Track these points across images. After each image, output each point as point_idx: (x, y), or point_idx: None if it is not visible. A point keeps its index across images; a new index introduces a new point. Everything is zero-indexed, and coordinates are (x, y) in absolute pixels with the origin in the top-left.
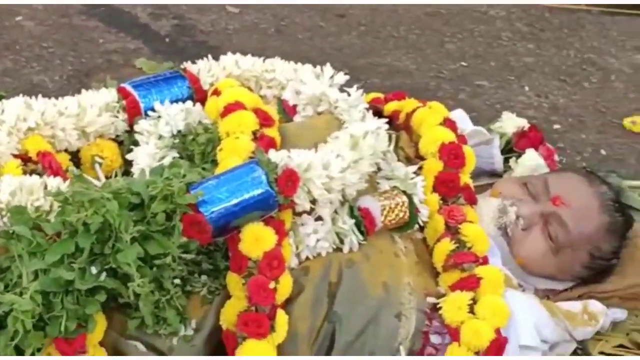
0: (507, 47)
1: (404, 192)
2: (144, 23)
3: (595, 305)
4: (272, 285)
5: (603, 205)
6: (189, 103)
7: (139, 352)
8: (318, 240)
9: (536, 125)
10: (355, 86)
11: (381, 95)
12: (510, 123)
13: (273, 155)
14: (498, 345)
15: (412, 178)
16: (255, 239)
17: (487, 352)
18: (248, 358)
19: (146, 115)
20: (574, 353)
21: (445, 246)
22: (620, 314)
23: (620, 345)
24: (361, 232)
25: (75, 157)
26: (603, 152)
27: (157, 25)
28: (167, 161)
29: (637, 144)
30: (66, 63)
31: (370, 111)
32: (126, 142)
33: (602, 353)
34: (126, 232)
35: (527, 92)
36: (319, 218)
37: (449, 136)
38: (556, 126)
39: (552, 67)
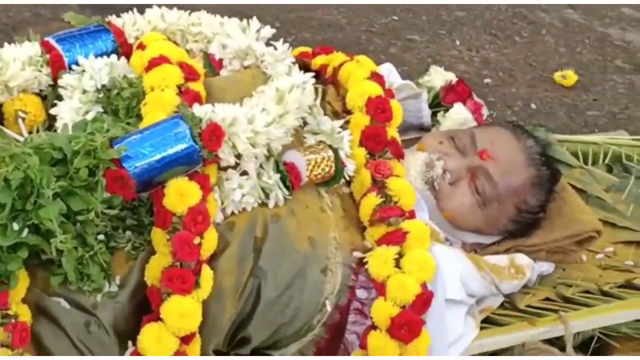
0: (438, 0)
1: (330, 147)
2: None
3: (522, 259)
4: (196, 240)
5: (530, 158)
6: (114, 57)
7: (62, 308)
8: (243, 195)
9: (466, 80)
10: (281, 40)
11: (309, 50)
12: (439, 77)
13: (197, 109)
14: (424, 299)
15: (339, 132)
16: (180, 194)
17: (413, 306)
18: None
19: (70, 69)
20: (501, 306)
21: (372, 200)
22: (547, 267)
23: (547, 299)
24: (287, 187)
25: None
26: (533, 105)
27: None
28: (91, 116)
29: (566, 98)
30: None
31: (297, 65)
32: (50, 96)
33: (529, 306)
34: (48, 188)
35: (458, 46)
36: (244, 173)
37: (376, 90)
38: (487, 80)
39: (484, 21)
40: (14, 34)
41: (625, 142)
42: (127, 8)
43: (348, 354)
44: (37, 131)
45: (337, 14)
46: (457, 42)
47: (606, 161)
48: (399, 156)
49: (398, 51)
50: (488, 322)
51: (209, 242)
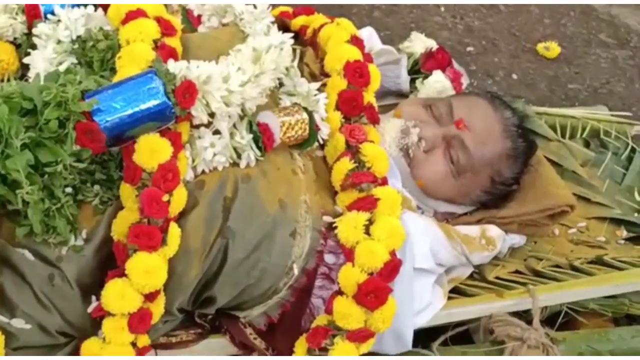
0: None
1: (305, 109)
2: None
3: (493, 231)
4: (165, 197)
5: (506, 130)
6: (91, 8)
7: (26, 260)
8: (215, 155)
9: (446, 47)
10: None
11: (290, 10)
12: (419, 43)
13: (172, 65)
14: (392, 266)
15: (315, 95)
16: (151, 150)
17: (381, 273)
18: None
19: (46, 18)
20: (470, 277)
21: (345, 165)
22: (519, 239)
23: (517, 271)
24: (259, 148)
25: None
26: (514, 76)
27: None
28: (64, 67)
29: (548, 70)
30: None
31: (276, 25)
32: (24, 45)
33: (498, 278)
34: (16, 138)
35: (442, 12)
36: (216, 132)
37: (354, 54)
38: (469, 48)
39: None
40: None
41: (604, 117)
42: None
43: (313, 317)
44: (9, 80)
45: None
46: (442, 9)
47: (584, 135)
48: (375, 122)
49: (381, 15)
50: (456, 292)
51: (178, 200)
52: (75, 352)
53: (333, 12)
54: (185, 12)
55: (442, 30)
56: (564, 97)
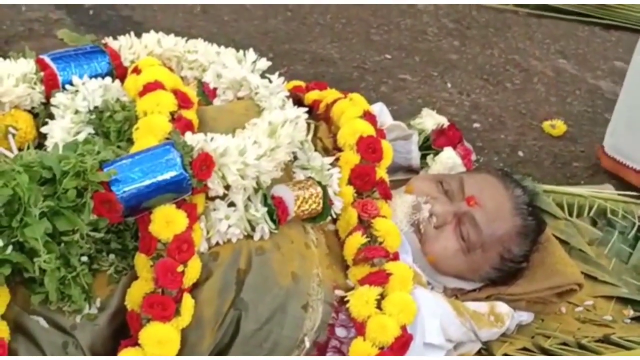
0: (432, 42)
1: (319, 183)
2: None
3: (502, 307)
4: (180, 268)
5: (516, 208)
6: (108, 79)
7: (40, 327)
8: (229, 227)
9: (455, 124)
10: (277, 73)
11: (303, 84)
12: (430, 120)
13: (189, 137)
14: (403, 341)
15: (328, 169)
16: (166, 221)
17: (392, 348)
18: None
19: (64, 89)
20: (478, 353)
21: (357, 240)
22: (526, 317)
23: (524, 348)
24: (273, 221)
25: None
26: (520, 153)
27: None
28: (82, 137)
29: (554, 148)
30: None
31: (291, 99)
32: (42, 114)
33: (505, 354)
34: (35, 207)
35: (449, 88)
36: (231, 204)
37: (367, 129)
38: (476, 125)
39: (476, 65)
40: (6, 48)
41: (611, 196)
42: (123, 29)
43: None
44: (27, 148)
45: (330, 48)
46: (449, 85)
47: (591, 214)
48: (387, 197)
49: (389, 90)
50: None
51: (192, 271)
52: None
53: (341, 85)
54: (201, 85)
55: (449, 106)
56: (569, 175)
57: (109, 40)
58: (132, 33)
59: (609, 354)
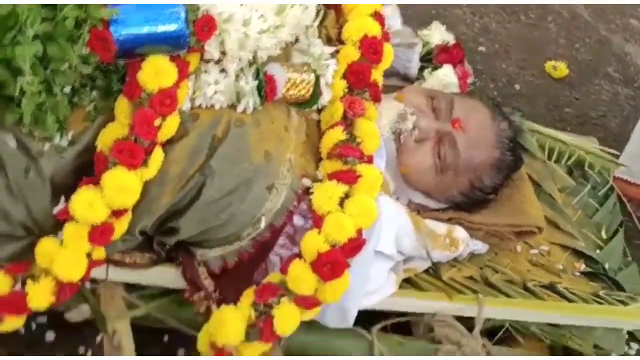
0: None
1: (314, 71)
2: None
3: (459, 232)
4: (158, 121)
5: (498, 141)
6: None
7: (8, 147)
8: (216, 92)
9: (461, 43)
10: None
11: None
12: (437, 34)
13: None
14: (355, 244)
15: (326, 59)
16: (156, 72)
17: (343, 248)
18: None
19: None
20: (425, 271)
21: (336, 134)
22: (481, 247)
23: (471, 277)
24: (260, 97)
25: None
26: (517, 86)
27: None
28: None
29: (551, 89)
30: None
31: None
32: None
33: (451, 279)
34: (31, 27)
35: (464, 7)
36: (223, 71)
37: (374, 29)
38: (481, 48)
39: None
40: None
41: (593, 150)
42: None
43: (267, 273)
44: None
45: None
46: (465, 2)
47: (569, 163)
48: (377, 100)
49: None
50: (408, 283)
51: (169, 126)
52: (30, 248)
53: None
54: None
55: (459, 24)
56: (559, 119)
57: None
58: None
59: (551, 301)
